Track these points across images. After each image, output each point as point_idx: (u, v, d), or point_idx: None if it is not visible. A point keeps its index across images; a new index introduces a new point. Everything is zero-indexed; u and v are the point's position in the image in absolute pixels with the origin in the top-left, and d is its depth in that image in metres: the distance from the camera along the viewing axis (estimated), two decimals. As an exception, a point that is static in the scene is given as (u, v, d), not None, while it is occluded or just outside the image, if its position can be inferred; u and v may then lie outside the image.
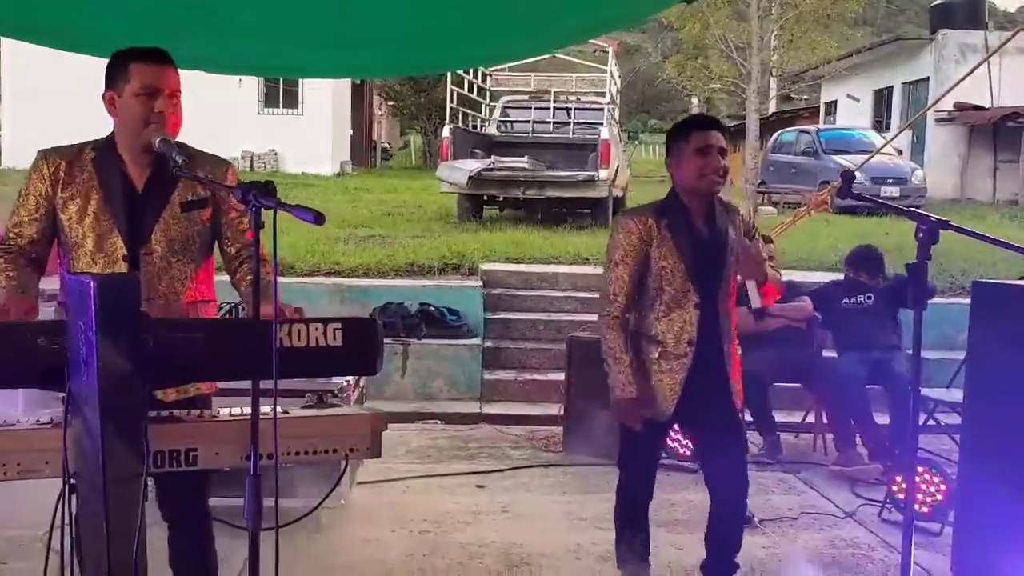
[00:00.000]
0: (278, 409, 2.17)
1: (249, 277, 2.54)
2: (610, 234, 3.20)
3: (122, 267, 2.56)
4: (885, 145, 11.23)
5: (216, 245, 2.76)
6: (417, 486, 4.89)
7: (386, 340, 7.69)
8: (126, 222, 2.57)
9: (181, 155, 2.38)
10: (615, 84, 13.98)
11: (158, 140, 2.44)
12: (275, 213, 1.96)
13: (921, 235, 2.50)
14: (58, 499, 2.09)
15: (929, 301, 2.58)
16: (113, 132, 2.63)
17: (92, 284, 1.88)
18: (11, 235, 2.62)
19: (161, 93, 2.53)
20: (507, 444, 5.80)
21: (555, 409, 6.08)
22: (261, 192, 1.99)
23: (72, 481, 2.08)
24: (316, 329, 2.19)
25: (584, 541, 4.08)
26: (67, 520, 2.10)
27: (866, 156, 15.62)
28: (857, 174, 14.36)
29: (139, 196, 2.60)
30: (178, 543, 2.84)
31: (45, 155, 2.63)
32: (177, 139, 2.61)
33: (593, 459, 5.33)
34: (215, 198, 2.66)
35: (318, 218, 1.92)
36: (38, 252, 2.64)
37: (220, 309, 2.96)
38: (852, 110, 24.26)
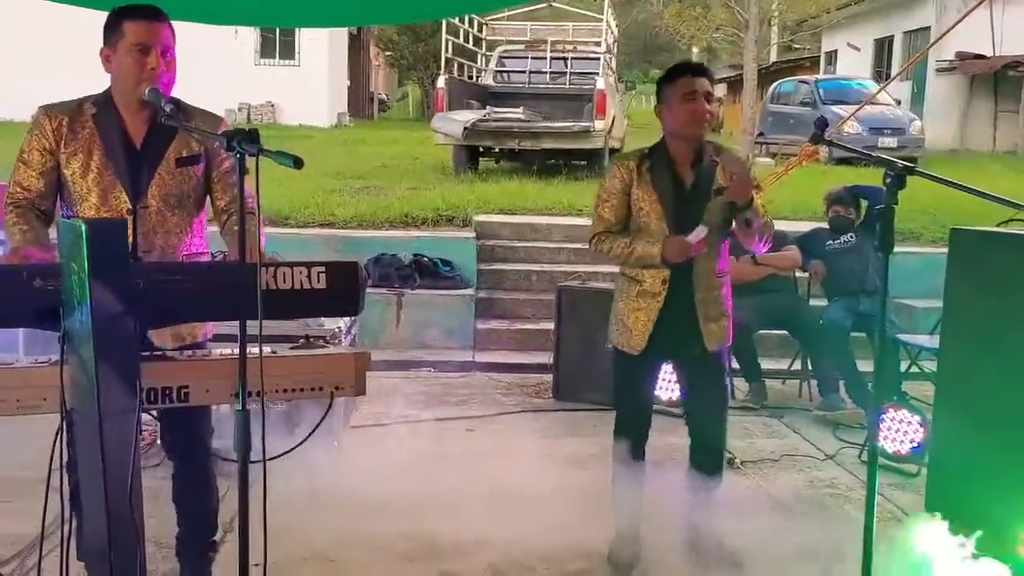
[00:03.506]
0: (266, 349, 2.27)
1: (236, 228, 2.62)
2: (602, 179, 3.37)
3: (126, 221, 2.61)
4: (878, 92, 11.18)
5: (208, 198, 2.84)
6: (409, 430, 5.02)
7: (380, 290, 7.80)
8: (127, 177, 2.64)
9: (170, 104, 2.45)
10: (612, 33, 13.89)
11: (147, 90, 2.51)
12: (258, 159, 2.04)
13: (888, 180, 2.58)
14: (56, 434, 2.20)
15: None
16: (111, 87, 2.69)
17: (84, 227, 1.96)
18: (17, 191, 2.69)
19: (153, 49, 2.58)
20: (498, 391, 5.93)
21: (546, 358, 6.20)
22: (245, 139, 2.06)
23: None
24: (300, 272, 2.28)
25: (570, 480, 4.20)
26: (64, 452, 2.21)
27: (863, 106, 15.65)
28: (854, 124, 14.35)
29: (137, 151, 2.67)
30: (180, 479, 2.99)
31: (47, 111, 2.68)
32: (173, 95, 2.67)
33: (581, 405, 5.46)
34: (208, 154, 2.73)
35: (297, 163, 2.01)
36: (45, 206, 2.72)
37: (212, 258, 3.05)
38: (853, 60, 24.08)
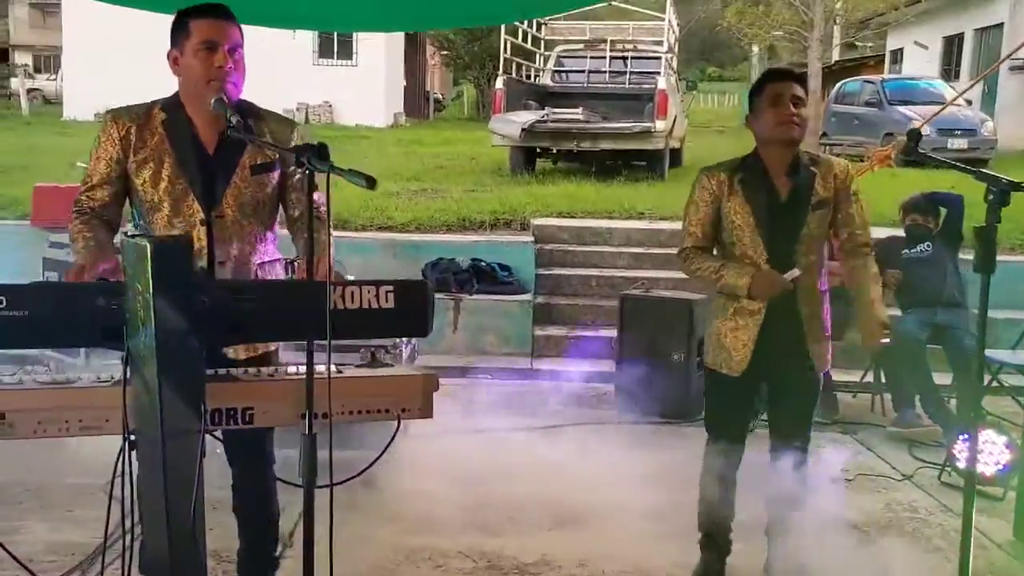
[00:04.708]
0: (332, 368, 2.19)
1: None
2: (691, 189, 3.20)
3: (200, 231, 2.58)
4: (957, 98, 10.75)
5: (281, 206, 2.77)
6: (468, 440, 4.92)
7: (438, 295, 7.80)
8: (201, 185, 2.58)
9: (235, 115, 2.38)
10: (674, 32, 13.67)
11: (213, 100, 2.44)
12: (328, 175, 1.96)
13: (991, 197, 2.40)
14: (119, 454, 2.14)
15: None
16: (179, 91, 2.63)
17: (148, 247, 1.90)
18: (83, 198, 2.65)
19: (220, 47, 2.52)
20: (558, 401, 5.80)
21: (606, 366, 6.06)
22: (315, 154, 1.98)
23: (132, 437, 2.12)
24: (369, 291, 2.19)
25: (633, 499, 4.06)
26: (127, 474, 2.15)
27: (931, 106, 15.08)
28: (924, 127, 13.89)
29: (210, 159, 2.60)
30: (241, 491, 2.93)
31: (114, 117, 2.62)
32: (243, 97, 2.62)
33: (646, 418, 5.31)
34: (283, 161, 2.66)
35: (370, 182, 1.91)
36: (110, 214, 2.67)
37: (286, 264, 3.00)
38: (920, 58, 23.43)
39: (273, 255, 2.76)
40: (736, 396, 3.21)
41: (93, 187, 2.63)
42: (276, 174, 2.68)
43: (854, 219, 3.17)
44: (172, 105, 2.62)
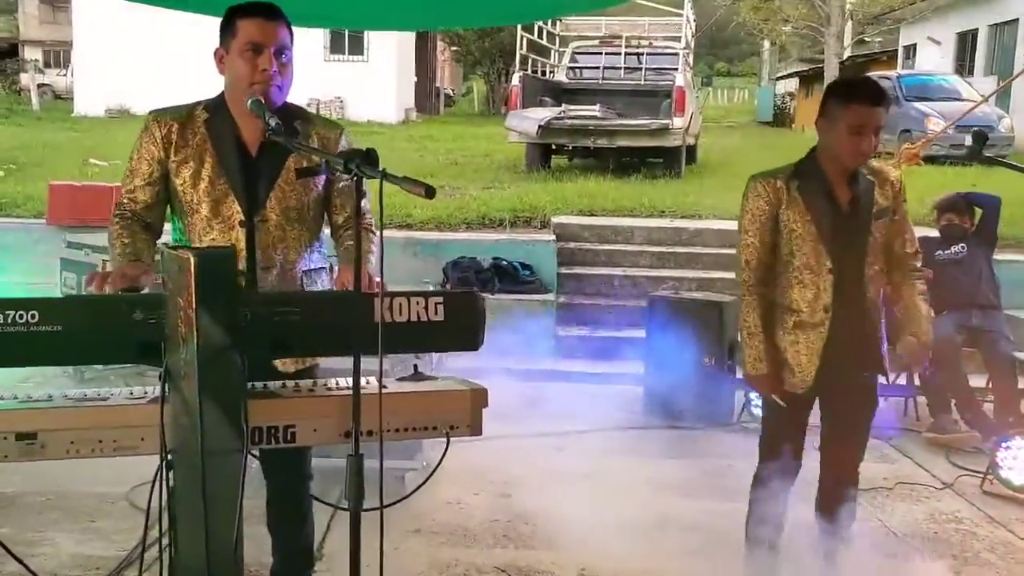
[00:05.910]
0: (374, 382, 2.08)
1: (349, 243, 2.44)
2: (742, 199, 3.02)
3: (239, 233, 2.47)
4: (988, 98, 10.58)
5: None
6: (495, 447, 4.74)
7: (460, 295, 7.54)
8: (242, 187, 2.47)
9: (274, 117, 2.27)
10: (691, 28, 13.52)
11: (250, 101, 2.33)
12: (380, 182, 1.84)
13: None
14: (155, 475, 2.03)
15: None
16: (224, 91, 2.54)
17: (192, 260, 1.78)
18: (125, 200, 2.55)
19: (266, 49, 2.42)
20: (583, 404, 5.67)
21: (630, 367, 5.94)
22: (364, 161, 1.86)
23: (169, 457, 2.01)
24: (417, 303, 2.07)
25: (673, 508, 3.95)
26: (165, 496, 2.04)
27: (946, 102, 14.87)
28: (939, 122, 13.69)
29: (253, 161, 2.50)
30: (276, 507, 2.83)
31: (156, 117, 2.52)
32: (290, 101, 2.54)
33: (675, 422, 5.19)
34: (328, 165, 2.55)
35: (429, 192, 1.78)
36: (153, 217, 2.56)
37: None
38: (933, 54, 23.20)
39: (319, 262, 2.66)
40: (797, 413, 3.04)
41: (135, 188, 2.53)
42: (322, 179, 2.57)
43: (905, 230, 3.07)
44: (215, 105, 2.53)
